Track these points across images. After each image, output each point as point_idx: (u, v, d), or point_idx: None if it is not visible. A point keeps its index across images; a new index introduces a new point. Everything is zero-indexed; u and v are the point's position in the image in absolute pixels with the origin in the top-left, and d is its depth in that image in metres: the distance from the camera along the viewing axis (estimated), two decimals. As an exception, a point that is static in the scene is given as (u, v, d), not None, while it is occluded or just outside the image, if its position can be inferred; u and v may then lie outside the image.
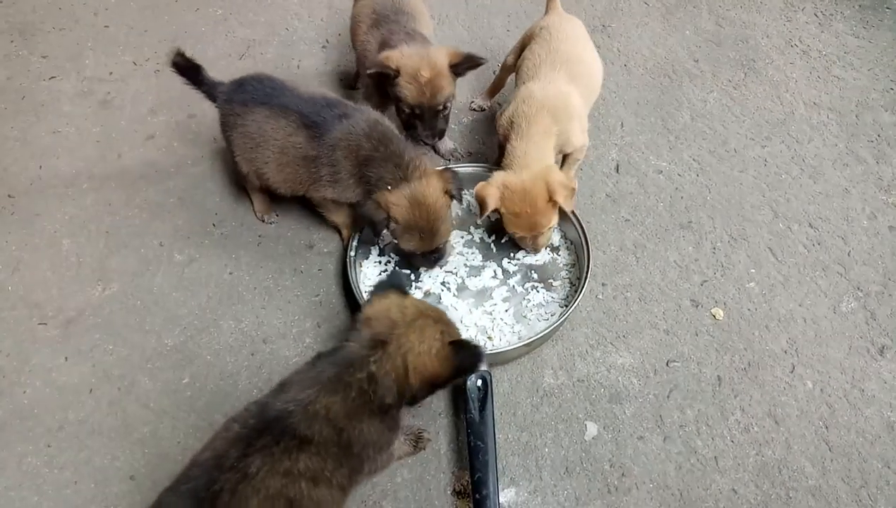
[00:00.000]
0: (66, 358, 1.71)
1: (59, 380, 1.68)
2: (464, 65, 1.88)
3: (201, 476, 1.06)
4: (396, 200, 1.65)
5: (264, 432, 1.09)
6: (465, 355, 1.18)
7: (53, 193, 2.06)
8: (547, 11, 2.10)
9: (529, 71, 1.93)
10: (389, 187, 1.67)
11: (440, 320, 1.24)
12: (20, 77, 2.43)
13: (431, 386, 1.19)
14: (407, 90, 1.86)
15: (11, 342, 1.73)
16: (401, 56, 1.83)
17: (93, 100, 2.36)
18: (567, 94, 1.84)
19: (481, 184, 1.78)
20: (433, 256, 1.82)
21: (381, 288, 1.31)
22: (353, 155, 1.71)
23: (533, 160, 1.78)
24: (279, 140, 1.74)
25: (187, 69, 1.82)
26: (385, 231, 1.73)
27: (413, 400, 1.23)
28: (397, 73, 1.83)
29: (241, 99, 1.77)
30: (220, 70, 1.92)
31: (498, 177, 1.76)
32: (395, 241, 1.78)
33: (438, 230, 1.72)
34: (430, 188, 1.70)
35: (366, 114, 1.75)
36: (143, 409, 1.64)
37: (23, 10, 2.69)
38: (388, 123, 1.76)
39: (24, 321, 1.78)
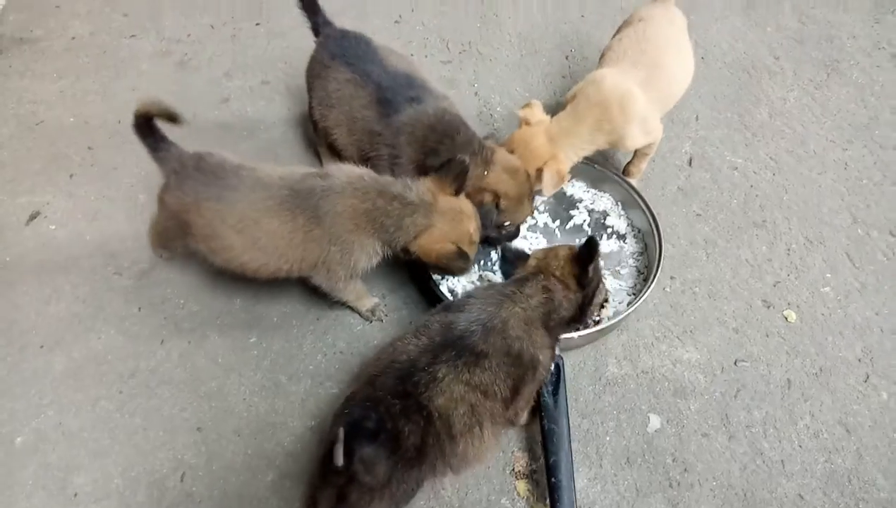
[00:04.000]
0: (139, 308, 1.75)
1: (132, 329, 1.72)
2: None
3: (403, 368, 1.26)
4: (498, 178, 1.66)
5: (448, 347, 1.28)
6: (583, 251, 1.41)
7: (131, 148, 2.08)
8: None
9: (611, 60, 1.89)
10: (486, 173, 1.66)
11: (563, 247, 1.49)
12: (102, 33, 2.48)
13: (582, 287, 1.43)
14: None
15: (88, 289, 1.78)
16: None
17: (171, 60, 2.40)
18: (633, 97, 1.77)
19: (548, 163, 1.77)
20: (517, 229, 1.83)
21: (511, 263, 1.55)
22: (419, 144, 1.69)
23: (569, 141, 1.78)
24: (353, 108, 1.75)
25: (308, 2, 1.89)
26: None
27: (582, 313, 1.46)
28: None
29: (333, 50, 1.79)
30: (295, 39, 1.93)
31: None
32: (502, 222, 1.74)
33: (533, 191, 1.75)
34: (509, 157, 1.72)
35: (435, 103, 1.72)
36: (211, 364, 1.67)
37: (106, -31, 2.74)
38: (454, 113, 1.73)
39: (100, 269, 1.82)
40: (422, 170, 1.71)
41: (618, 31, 2.01)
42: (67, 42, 2.45)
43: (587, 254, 1.40)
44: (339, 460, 1.12)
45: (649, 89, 1.81)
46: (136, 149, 2.07)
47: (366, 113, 1.74)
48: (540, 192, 1.79)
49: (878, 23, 2.65)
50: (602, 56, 1.98)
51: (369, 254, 1.53)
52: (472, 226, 1.57)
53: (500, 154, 1.71)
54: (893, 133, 2.25)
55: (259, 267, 1.53)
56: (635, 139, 1.83)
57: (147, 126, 1.53)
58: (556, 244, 1.67)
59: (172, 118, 1.53)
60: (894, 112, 2.32)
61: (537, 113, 1.81)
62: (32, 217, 1.92)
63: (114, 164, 2.06)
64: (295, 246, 1.49)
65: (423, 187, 1.53)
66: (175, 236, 1.58)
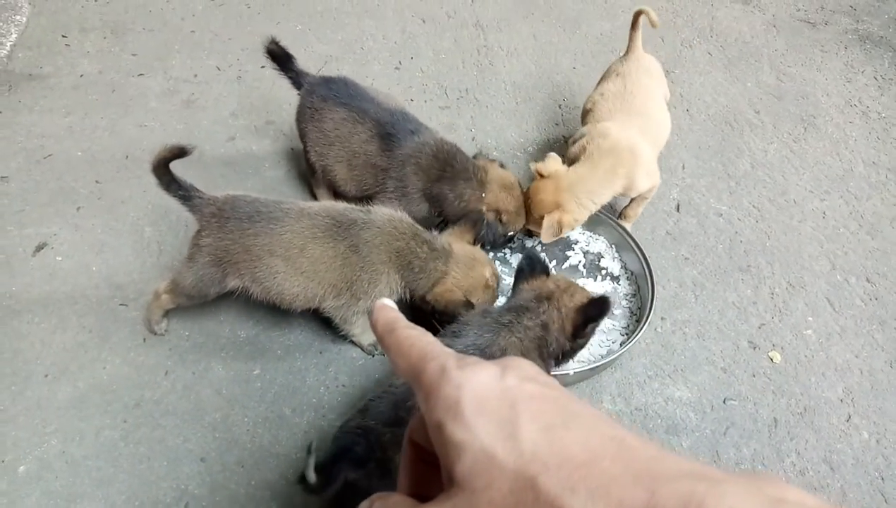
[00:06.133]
0: (144, 339, 1.78)
1: (137, 360, 1.74)
2: None
3: (399, 392, 1.26)
4: (497, 197, 1.81)
5: None
6: (591, 306, 1.39)
7: (138, 183, 2.14)
8: (626, 52, 2.17)
9: (603, 113, 2.01)
10: (483, 195, 1.76)
11: (584, 289, 1.49)
12: (111, 72, 2.55)
13: (574, 337, 1.42)
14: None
15: (94, 319, 1.80)
16: None
17: (178, 99, 2.48)
18: (640, 143, 1.92)
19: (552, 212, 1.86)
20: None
21: (525, 272, 1.49)
22: (424, 173, 1.80)
23: (584, 188, 1.87)
24: (353, 144, 1.84)
25: (280, 56, 1.95)
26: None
27: (563, 356, 1.45)
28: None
29: (323, 94, 1.88)
30: (299, 82, 2.01)
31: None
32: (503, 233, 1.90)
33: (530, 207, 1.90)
34: (502, 174, 1.87)
35: (432, 133, 1.86)
36: (215, 395, 1.69)
37: (116, 10, 2.84)
38: (450, 142, 1.86)
39: (106, 301, 1.85)
40: (427, 197, 1.80)
41: (597, 87, 2.14)
42: (76, 79, 2.51)
43: (597, 312, 1.39)
44: (311, 476, 1.14)
45: (645, 136, 1.94)
46: (143, 183, 2.15)
47: (367, 148, 1.84)
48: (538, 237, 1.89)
49: (849, 82, 2.82)
50: (587, 112, 2.10)
51: (392, 288, 1.62)
52: (488, 271, 1.65)
53: (493, 171, 1.86)
54: (866, 185, 2.39)
55: (297, 293, 1.60)
56: (644, 182, 1.95)
57: (170, 177, 1.59)
58: (578, 282, 1.72)
59: (182, 152, 1.60)
60: (867, 165, 2.46)
61: (551, 165, 1.90)
62: (39, 248, 1.95)
63: (121, 198, 2.10)
64: (333, 270, 1.57)
65: (444, 239, 1.65)
66: (213, 281, 1.61)
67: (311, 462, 1.14)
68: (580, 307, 1.40)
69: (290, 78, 1.98)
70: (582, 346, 1.50)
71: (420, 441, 0.48)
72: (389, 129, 1.81)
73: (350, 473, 1.16)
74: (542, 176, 1.88)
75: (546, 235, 1.85)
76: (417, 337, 0.46)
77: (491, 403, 0.38)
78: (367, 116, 1.84)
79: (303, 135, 1.97)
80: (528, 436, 0.36)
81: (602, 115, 2.00)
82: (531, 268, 1.49)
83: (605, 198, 1.91)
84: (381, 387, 1.33)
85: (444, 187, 1.80)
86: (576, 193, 1.85)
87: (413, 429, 0.49)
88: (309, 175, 2.13)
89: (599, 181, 1.87)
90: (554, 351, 1.43)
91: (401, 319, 0.49)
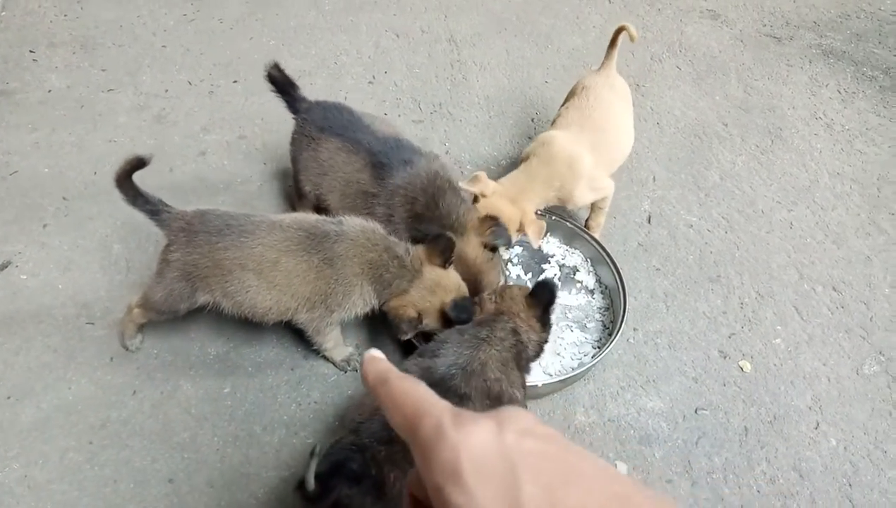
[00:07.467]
0: (111, 358, 1.75)
1: (104, 379, 1.71)
2: None
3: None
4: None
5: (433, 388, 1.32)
6: (542, 292, 1.50)
7: (106, 199, 2.12)
8: (599, 67, 2.19)
9: (562, 126, 2.04)
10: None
11: (514, 287, 1.58)
12: (80, 87, 2.52)
13: (544, 327, 1.53)
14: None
15: (59, 338, 1.77)
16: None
17: (148, 114, 2.45)
18: (579, 157, 1.92)
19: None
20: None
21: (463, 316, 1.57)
22: (409, 205, 1.78)
23: (522, 192, 1.90)
24: (347, 173, 1.82)
25: (281, 83, 1.91)
26: None
27: (542, 349, 1.55)
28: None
29: (320, 124, 1.86)
30: (271, 97, 1.99)
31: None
32: None
33: (481, 282, 1.80)
34: (470, 245, 1.77)
35: (427, 164, 1.81)
36: (184, 414, 1.67)
37: (86, 25, 2.81)
38: (445, 177, 1.81)
39: (72, 319, 1.82)
40: (411, 228, 1.79)
41: (565, 100, 2.17)
42: (44, 94, 2.48)
43: (549, 296, 1.50)
44: (311, 482, 1.11)
45: (597, 151, 1.97)
46: (112, 199, 2.10)
47: (360, 176, 1.82)
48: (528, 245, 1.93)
49: (814, 95, 2.89)
50: (553, 123, 2.13)
51: (365, 300, 1.62)
52: (449, 299, 1.63)
53: (465, 239, 1.77)
54: (832, 196, 2.44)
55: (270, 306, 1.58)
56: (584, 196, 1.98)
57: (135, 191, 1.57)
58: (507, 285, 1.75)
59: (141, 162, 1.56)
60: (832, 176, 2.52)
61: (486, 183, 1.90)
62: (3, 266, 1.91)
63: (89, 215, 2.07)
64: (308, 283, 1.56)
65: (415, 255, 1.63)
66: (182, 297, 1.59)
67: (314, 465, 1.10)
68: (529, 300, 1.49)
69: (286, 101, 1.95)
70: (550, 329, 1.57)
71: (419, 496, 0.48)
72: (382, 159, 1.79)
73: (345, 489, 1.14)
74: (484, 196, 1.88)
75: (536, 239, 1.89)
76: (411, 389, 0.46)
77: (490, 465, 0.38)
78: (360, 146, 1.82)
79: (296, 162, 1.95)
80: (529, 499, 0.37)
81: (562, 125, 2.03)
82: (468, 315, 1.57)
83: (539, 207, 1.96)
84: (367, 410, 1.29)
85: (420, 224, 1.77)
86: (524, 201, 1.89)
87: (411, 483, 0.50)
88: (295, 199, 2.12)
89: (534, 188, 1.91)
90: (532, 352, 1.49)
91: (392, 370, 0.49)
